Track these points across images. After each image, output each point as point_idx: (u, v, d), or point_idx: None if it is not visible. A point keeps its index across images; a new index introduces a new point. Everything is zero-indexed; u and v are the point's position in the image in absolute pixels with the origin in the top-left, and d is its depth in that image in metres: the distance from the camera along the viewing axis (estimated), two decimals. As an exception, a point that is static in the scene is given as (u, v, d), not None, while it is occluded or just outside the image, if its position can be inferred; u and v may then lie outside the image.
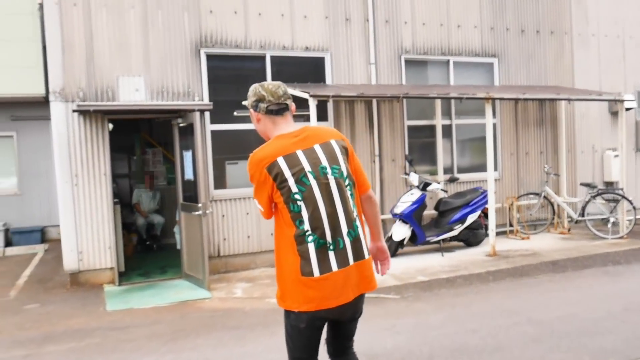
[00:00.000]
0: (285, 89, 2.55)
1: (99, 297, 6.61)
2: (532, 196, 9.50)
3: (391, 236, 8.16)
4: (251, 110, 2.56)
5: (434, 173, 9.10)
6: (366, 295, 2.59)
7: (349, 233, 2.43)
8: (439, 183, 8.44)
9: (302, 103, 6.95)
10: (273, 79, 7.93)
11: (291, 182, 2.37)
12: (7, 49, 9.57)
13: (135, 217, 9.78)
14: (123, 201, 11.06)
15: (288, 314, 2.49)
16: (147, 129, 11.35)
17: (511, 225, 9.35)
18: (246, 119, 7.96)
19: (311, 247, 2.38)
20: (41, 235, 10.95)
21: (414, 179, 8.14)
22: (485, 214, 8.44)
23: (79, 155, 7.07)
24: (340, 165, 2.47)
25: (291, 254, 2.40)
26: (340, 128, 8.42)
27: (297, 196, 2.37)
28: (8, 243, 10.82)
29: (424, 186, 8.07)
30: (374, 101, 8.63)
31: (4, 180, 11.31)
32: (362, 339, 3.26)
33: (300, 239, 2.39)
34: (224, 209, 7.75)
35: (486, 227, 8.42)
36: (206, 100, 7.53)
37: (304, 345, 2.54)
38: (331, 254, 2.39)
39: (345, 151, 2.53)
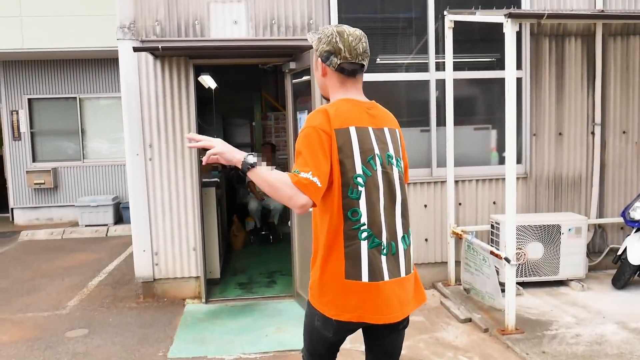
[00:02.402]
0: (366, 44, 2.08)
1: (170, 324, 4.53)
2: None
3: (622, 254, 5.02)
4: (318, 59, 2.09)
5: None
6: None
7: (403, 238, 2.09)
8: None
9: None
10: None
11: (357, 160, 1.96)
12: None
13: (249, 199, 7.69)
14: (240, 178, 9.13)
15: (317, 313, 2.04)
16: (272, 88, 9.19)
17: None
18: (394, 67, 5.26)
19: (364, 246, 1.97)
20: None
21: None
22: None
23: (155, 117, 4.99)
24: (401, 160, 2.15)
25: (335, 252, 1.97)
26: (539, 80, 5.36)
27: (359, 179, 1.95)
28: (119, 219, 9.50)
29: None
30: (599, 38, 5.39)
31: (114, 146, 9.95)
32: None
33: (352, 233, 1.96)
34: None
35: None
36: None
37: (325, 349, 2.17)
38: (383, 259, 2.00)
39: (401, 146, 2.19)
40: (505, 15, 3.92)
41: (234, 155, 1.86)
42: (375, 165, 1.99)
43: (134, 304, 5.12)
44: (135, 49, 4.37)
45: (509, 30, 3.93)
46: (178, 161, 5.04)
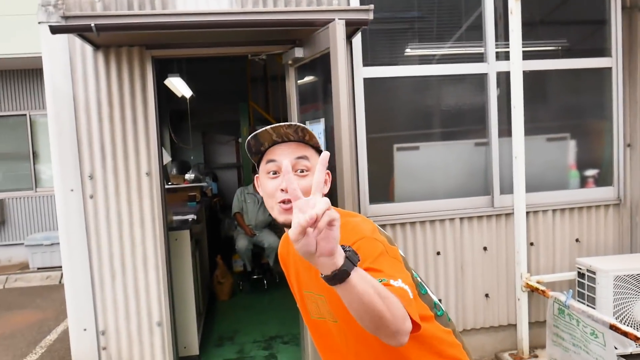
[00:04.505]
0: None
1: None
2: None
3: None
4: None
5: None
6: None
7: None
8: None
9: None
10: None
11: (401, 251, 1.43)
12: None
13: (236, 235, 6.10)
14: (224, 206, 7.57)
15: None
16: (261, 96, 7.68)
17: None
18: (432, 59, 3.80)
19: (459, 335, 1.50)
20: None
21: None
22: None
23: (97, 136, 3.42)
24: None
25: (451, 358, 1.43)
26: (635, 70, 3.91)
27: (413, 271, 1.44)
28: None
29: None
30: None
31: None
32: None
33: (451, 326, 1.49)
34: (400, 241, 3.68)
35: None
36: (356, 2, 3.49)
37: None
38: None
39: None
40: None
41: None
42: None
43: (72, 407, 3.51)
44: (54, 30, 2.78)
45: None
46: (133, 197, 3.46)
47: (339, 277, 1.01)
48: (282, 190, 1.33)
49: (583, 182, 3.99)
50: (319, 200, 0.98)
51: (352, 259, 1.03)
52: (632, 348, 3.27)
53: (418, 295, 1.41)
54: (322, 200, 0.98)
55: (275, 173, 1.36)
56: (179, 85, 6.05)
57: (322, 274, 1.03)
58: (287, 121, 3.60)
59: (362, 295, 1.03)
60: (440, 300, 3.71)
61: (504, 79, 3.76)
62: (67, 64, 3.36)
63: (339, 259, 1.01)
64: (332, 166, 3.05)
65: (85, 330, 3.47)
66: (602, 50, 3.94)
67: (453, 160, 3.83)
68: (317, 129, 3.26)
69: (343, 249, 1.04)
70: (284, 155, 1.35)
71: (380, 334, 1.10)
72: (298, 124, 1.34)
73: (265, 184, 1.38)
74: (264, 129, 1.35)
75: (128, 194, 3.45)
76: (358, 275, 1.03)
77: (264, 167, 1.40)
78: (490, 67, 3.72)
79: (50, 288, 6.84)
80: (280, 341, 4.48)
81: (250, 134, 1.40)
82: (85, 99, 3.38)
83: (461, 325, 3.81)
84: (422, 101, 3.82)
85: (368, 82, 3.59)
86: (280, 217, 1.35)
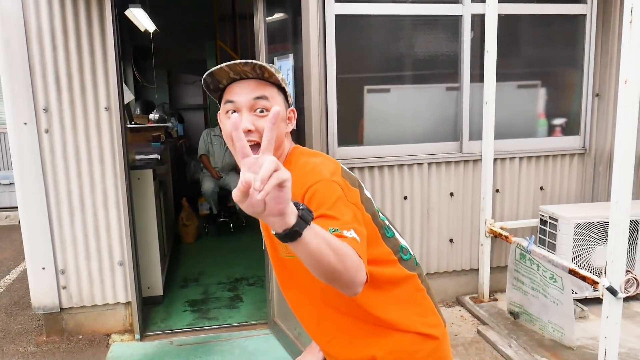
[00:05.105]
0: None
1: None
2: None
3: None
4: (286, 101, 1.38)
5: None
6: None
7: None
8: None
9: None
10: None
11: (368, 192, 1.43)
12: None
13: (202, 177, 5.99)
14: (190, 149, 7.42)
15: None
16: (229, 36, 7.40)
17: None
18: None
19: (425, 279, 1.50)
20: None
21: None
22: None
23: (52, 66, 3.21)
24: None
25: (413, 303, 1.43)
26: (608, 18, 3.87)
27: (380, 214, 1.44)
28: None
29: None
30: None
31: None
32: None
33: (417, 270, 1.46)
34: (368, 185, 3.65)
35: None
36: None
37: None
38: None
39: None
40: None
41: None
42: None
43: (32, 346, 3.45)
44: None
45: None
46: (91, 132, 3.31)
47: (290, 236, 0.97)
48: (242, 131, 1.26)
49: (551, 131, 4.01)
50: (267, 160, 0.90)
51: (305, 218, 0.98)
52: (588, 292, 3.37)
53: (383, 237, 1.39)
54: (269, 161, 0.89)
55: (234, 112, 1.29)
56: (141, 18, 5.73)
57: (272, 231, 0.98)
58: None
59: (314, 252, 1.00)
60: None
61: (478, 22, 3.67)
62: (16, -13, 3.10)
63: (291, 218, 0.95)
64: (300, 106, 2.95)
65: (43, 269, 3.37)
66: (578, -4, 3.87)
67: (424, 104, 3.78)
68: (286, 65, 3.13)
69: (296, 205, 0.98)
70: (242, 95, 1.28)
71: (334, 285, 1.09)
72: (256, 61, 1.25)
73: (225, 124, 1.31)
74: (219, 66, 1.26)
75: (86, 129, 3.29)
76: (311, 233, 0.99)
77: (223, 107, 1.33)
78: (465, 9, 3.62)
79: (10, 228, 6.67)
80: (246, 283, 4.49)
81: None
82: (38, 26, 3.15)
83: (425, 269, 3.86)
84: (394, 43, 3.70)
85: (340, 19, 3.45)
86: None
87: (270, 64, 1.30)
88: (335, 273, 1.04)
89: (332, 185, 1.23)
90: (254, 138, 1.26)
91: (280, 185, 0.89)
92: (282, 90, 1.34)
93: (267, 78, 1.30)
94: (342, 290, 1.11)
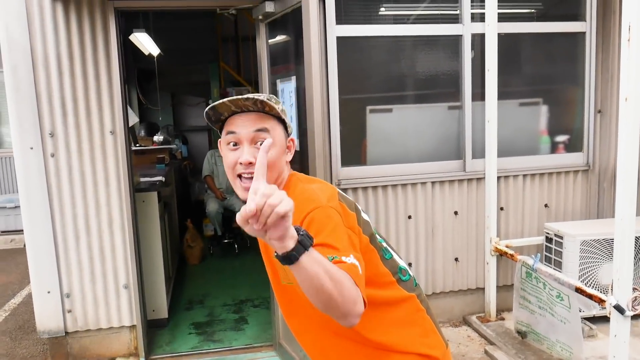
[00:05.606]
0: None
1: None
2: None
3: None
4: (289, 130, 1.43)
5: None
6: None
7: None
8: None
9: None
10: None
11: (366, 215, 1.46)
12: None
13: (206, 198, 6.01)
14: (195, 170, 7.45)
15: None
16: (232, 57, 7.48)
17: None
18: (406, 19, 3.72)
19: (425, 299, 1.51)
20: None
21: None
22: None
23: (58, 91, 3.26)
24: None
25: (413, 324, 1.44)
26: (608, 35, 3.90)
27: (378, 236, 1.46)
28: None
29: None
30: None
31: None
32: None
33: (416, 290, 1.47)
34: (372, 205, 3.65)
35: None
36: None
37: None
38: None
39: None
40: None
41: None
42: None
43: (36, 370, 3.44)
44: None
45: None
46: (97, 155, 3.34)
47: (288, 259, 1.02)
48: (241, 163, 1.31)
49: (554, 148, 4.01)
50: (276, 193, 0.96)
51: (304, 243, 1.02)
52: (595, 310, 3.34)
53: (381, 259, 1.41)
54: (276, 196, 0.95)
55: (235, 144, 1.34)
56: (145, 42, 5.81)
57: (274, 252, 1.03)
58: (258, 83, 3.51)
59: (312, 278, 1.04)
60: (410, 265, 3.74)
61: (478, 42, 3.71)
62: (23, 15, 3.16)
63: (290, 243, 1.00)
64: (303, 128, 2.97)
65: (49, 292, 3.38)
66: (577, 15, 3.90)
67: (426, 123, 3.80)
68: (288, 87, 3.17)
69: (297, 231, 1.02)
70: (243, 127, 1.32)
71: (331, 314, 1.12)
72: (256, 96, 1.29)
73: (226, 154, 1.36)
74: (221, 101, 1.31)
75: (92, 152, 3.32)
76: (309, 259, 1.03)
77: (224, 138, 1.37)
78: (466, 29, 3.66)
79: (15, 251, 6.69)
80: (251, 304, 4.47)
81: (207, 106, 1.36)
82: (44, 52, 3.20)
83: (431, 288, 3.84)
84: (396, 63, 3.74)
85: (341, 41, 3.49)
86: (242, 194, 1.33)
87: (270, 96, 1.33)
88: (332, 301, 1.07)
89: (329, 212, 1.26)
90: (254, 170, 1.30)
91: (283, 217, 0.95)
92: (282, 120, 1.37)
93: (267, 111, 1.33)
94: (338, 320, 1.13)
